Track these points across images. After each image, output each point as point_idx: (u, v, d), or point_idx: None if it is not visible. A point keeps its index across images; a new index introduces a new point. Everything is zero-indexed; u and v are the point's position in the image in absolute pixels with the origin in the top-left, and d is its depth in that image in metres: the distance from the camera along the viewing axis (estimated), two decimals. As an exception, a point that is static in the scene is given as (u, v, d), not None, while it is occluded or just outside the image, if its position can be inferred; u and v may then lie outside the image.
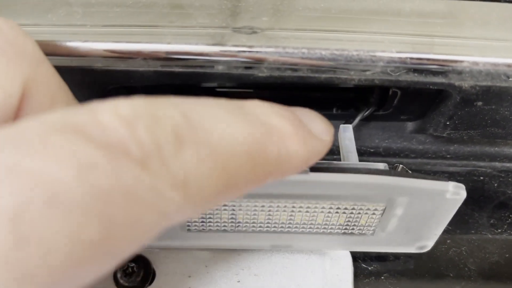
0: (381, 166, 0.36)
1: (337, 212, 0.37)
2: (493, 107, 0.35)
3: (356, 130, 0.44)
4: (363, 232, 0.39)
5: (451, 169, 0.46)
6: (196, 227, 0.40)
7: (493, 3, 0.34)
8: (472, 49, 0.31)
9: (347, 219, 0.38)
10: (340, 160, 0.40)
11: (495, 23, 0.33)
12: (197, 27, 0.33)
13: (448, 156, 0.46)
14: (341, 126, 0.41)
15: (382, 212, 0.37)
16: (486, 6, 0.34)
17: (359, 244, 0.42)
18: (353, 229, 0.39)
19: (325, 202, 0.36)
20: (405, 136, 0.46)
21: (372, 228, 0.39)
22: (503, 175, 0.46)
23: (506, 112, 0.36)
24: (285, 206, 0.37)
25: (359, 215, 0.37)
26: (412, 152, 0.46)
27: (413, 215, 0.37)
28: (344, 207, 0.37)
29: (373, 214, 0.37)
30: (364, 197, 0.36)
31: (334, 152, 0.47)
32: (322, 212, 0.37)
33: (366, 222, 0.38)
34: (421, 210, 0.36)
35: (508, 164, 0.46)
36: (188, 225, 0.39)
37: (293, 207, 0.37)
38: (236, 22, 0.32)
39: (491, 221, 0.43)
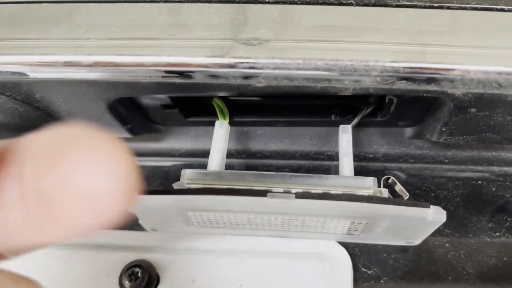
0: (370, 181, 0.37)
1: (325, 222, 0.39)
2: (487, 113, 0.36)
3: (355, 136, 0.45)
4: (351, 233, 0.40)
5: (449, 173, 0.47)
6: (199, 225, 0.41)
7: (485, 12, 0.35)
8: (464, 58, 0.32)
9: (335, 226, 0.39)
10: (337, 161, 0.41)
11: (488, 31, 0.34)
12: (197, 40, 0.34)
13: (446, 161, 0.46)
14: (341, 126, 0.42)
15: (366, 224, 0.38)
16: (478, 15, 0.35)
17: (350, 239, 0.43)
18: (342, 231, 0.40)
19: (311, 217, 0.38)
20: (403, 141, 0.46)
21: (359, 232, 0.40)
22: (501, 179, 0.46)
23: (499, 118, 0.36)
24: (276, 218, 0.39)
25: (346, 224, 0.38)
26: (410, 158, 0.47)
27: (397, 226, 0.38)
28: (330, 220, 0.38)
29: (359, 224, 0.38)
30: (348, 216, 0.37)
31: (333, 157, 0.48)
32: (311, 221, 0.39)
33: (353, 228, 0.39)
34: (405, 224, 0.37)
35: (506, 168, 0.46)
36: (192, 222, 0.40)
37: (283, 218, 0.39)
38: (234, 35, 0.34)
39: (489, 225, 0.44)
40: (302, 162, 0.48)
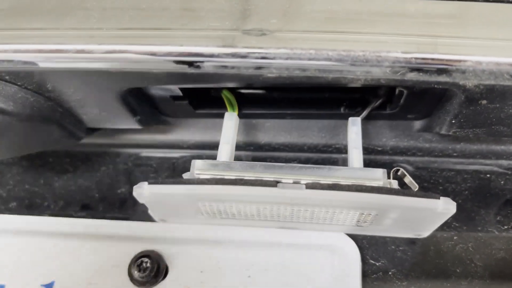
0: (380, 172, 0.37)
1: (334, 213, 0.39)
2: (498, 105, 0.36)
3: (363, 129, 0.45)
4: (360, 225, 0.41)
5: (458, 167, 0.47)
6: (209, 215, 0.41)
7: (497, 4, 0.35)
8: (476, 49, 0.32)
9: (344, 218, 0.39)
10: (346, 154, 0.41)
11: (499, 23, 0.34)
12: (208, 30, 0.34)
13: (454, 154, 0.46)
14: (350, 118, 0.42)
15: (375, 215, 0.38)
16: (490, 6, 0.35)
17: (358, 231, 0.43)
18: (351, 223, 0.40)
19: (321, 208, 0.38)
20: (412, 134, 0.46)
21: (368, 224, 0.40)
22: (509, 172, 0.46)
23: (511, 111, 0.36)
24: (285, 209, 0.39)
25: (355, 216, 0.39)
26: (419, 151, 0.47)
27: (407, 218, 0.38)
28: (339, 211, 0.38)
29: (368, 216, 0.38)
30: (357, 207, 0.37)
31: (341, 150, 0.48)
32: (320, 212, 0.39)
33: (362, 219, 0.39)
34: (414, 216, 0.37)
35: (514, 162, 0.46)
36: (201, 213, 0.41)
37: (293, 209, 0.39)
38: (246, 25, 0.34)
39: (498, 218, 0.44)
40: (310, 154, 0.49)
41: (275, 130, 0.48)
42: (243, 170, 0.38)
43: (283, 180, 0.37)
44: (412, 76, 0.33)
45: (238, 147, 0.49)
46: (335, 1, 0.35)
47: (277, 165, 0.38)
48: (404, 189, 0.35)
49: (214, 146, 0.49)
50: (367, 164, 0.47)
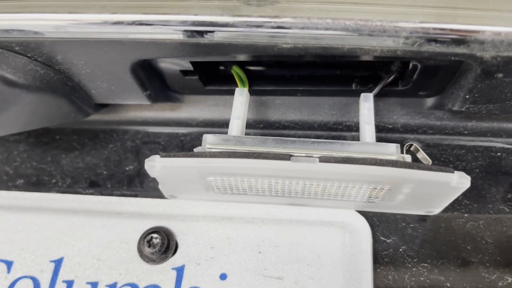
0: (393, 147, 0.36)
1: (346, 188, 0.38)
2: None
3: (375, 106, 0.45)
4: (372, 201, 0.40)
5: (469, 144, 0.47)
6: (219, 191, 0.41)
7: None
8: (495, 20, 0.32)
9: (355, 193, 0.39)
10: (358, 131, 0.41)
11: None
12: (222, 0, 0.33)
13: (465, 132, 0.46)
14: (362, 94, 0.42)
15: (389, 190, 0.38)
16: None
17: (369, 208, 0.43)
18: (362, 199, 0.40)
19: (333, 182, 0.38)
20: (423, 112, 0.46)
21: (380, 199, 0.40)
22: (520, 151, 0.46)
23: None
24: (297, 184, 0.39)
25: (367, 191, 0.38)
26: (430, 128, 0.46)
27: (419, 193, 0.38)
28: (352, 186, 0.38)
29: (381, 191, 0.38)
30: (371, 181, 0.37)
31: (352, 128, 0.47)
32: (332, 187, 0.38)
33: (374, 195, 0.39)
34: (427, 191, 0.37)
35: (526, 140, 0.46)
36: (212, 188, 0.40)
37: (305, 184, 0.39)
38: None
39: (509, 196, 0.44)
40: (320, 132, 0.48)
41: (285, 107, 0.48)
42: (255, 145, 0.38)
43: (296, 154, 0.37)
44: (429, 47, 0.32)
45: (248, 124, 0.48)
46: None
47: (290, 139, 0.38)
48: (418, 163, 0.35)
49: (224, 123, 0.49)
50: (378, 141, 0.47)
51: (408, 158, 0.37)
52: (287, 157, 0.36)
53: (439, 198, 0.38)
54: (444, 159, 0.46)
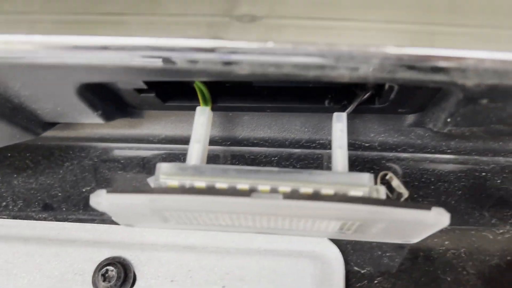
0: (366, 177, 0.33)
1: (314, 222, 0.35)
2: (500, 104, 0.32)
3: (350, 122, 0.41)
4: (344, 232, 0.37)
5: (451, 165, 0.43)
6: (178, 223, 0.37)
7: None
8: (479, 41, 0.28)
9: (325, 227, 0.36)
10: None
11: (504, 9, 0.30)
12: (170, 15, 0.29)
13: (448, 151, 0.43)
14: (335, 114, 0.38)
15: (360, 225, 0.34)
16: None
17: (342, 237, 0.39)
18: (333, 230, 0.37)
19: (300, 218, 0.34)
20: (402, 129, 0.43)
21: (351, 232, 0.37)
22: (506, 170, 0.43)
23: (512, 109, 0.32)
24: (261, 218, 0.35)
25: (337, 225, 0.35)
26: (410, 147, 0.43)
27: (395, 228, 0.34)
28: (320, 221, 0.34)
29: (352, 225, 0.35)
30: (340, 218, 0.33)
31: (326, 146, 0.44)
32: (299, 222, 0.35)
33: (346, 228, 0.36)
34: (402, 226, 0.34)
35: (512, 159, 0.43)
36: (170, 220, 0.37)
37: (269, 219, 0.35)
38: (213, 10, 0.29)
39: (493, 221, 0.41)
40: (292, 150, 0.45)
41: (254, 124, 0.44)
42: (215, 175, 0.34)
43: (259, 187, 0.33)
44: (404, 74, 0.28)
45: (214, 141, 0.45)
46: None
47: (253, 169, 0.34)
48: (391, 200, 0.32)
49: (187, 140, 0.45)
50: (353, 160, 0.44)
51: (382, 189, 0.33)
52: (247, 193, 0.32)
53: (417, 232, 0.35)
54: (425, 180, 0.43)
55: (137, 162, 0.46)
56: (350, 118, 0.40)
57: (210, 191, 0.32)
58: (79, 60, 0.30)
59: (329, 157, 0.44)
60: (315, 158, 0.44)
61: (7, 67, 0.31)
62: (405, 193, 0.35)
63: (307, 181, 0.34)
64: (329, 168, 0.43)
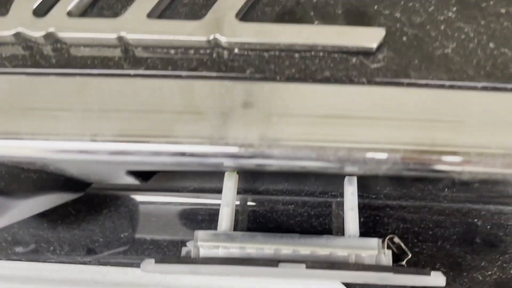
0: (375, 242, 0.39)
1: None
2: (489, 186, 0.37)
3: (359, 178, 0.47)
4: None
5: (447, 212, 0.49)
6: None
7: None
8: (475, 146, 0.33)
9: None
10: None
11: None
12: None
13: (445, 201, 0.49)
14: (347, 177, 0.44)
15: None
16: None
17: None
18: None
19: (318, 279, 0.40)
20: (405, 184, 0.48)
21: None
22: (495, 217, 0.49)
23: (501, 188, 0.38)
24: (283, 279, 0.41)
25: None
26: (411, 197, 0.49)
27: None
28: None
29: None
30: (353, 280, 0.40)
31: (337, 195, 0.49)
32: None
33: None
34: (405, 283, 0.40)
35: (501, 207, 0.48)
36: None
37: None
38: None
39: (482, 264, 0.47)
40: (307, 198, 0.50)
41: (272, 178, 0.49)
42: (245, 241, 0.40)
43: (283, 251, 0.39)
44: (408, 172, 0.34)
45: (239, 191, 0.50)
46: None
47: (277, 235, 0.40)
48: (396, 266, 0.38)
49: (213, 190, 0.51)
50: (361, 208, 0.49)
51: (388, 254, 0.39)
52: (275, 263, 0.38)
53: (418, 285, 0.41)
54: (424, 226, 0.49)
55: (169, 210, 0.51)
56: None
57: (243, 261, 0.38)
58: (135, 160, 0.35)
59: (339, 204, 0.50)
60: (327, 206, 0.50)
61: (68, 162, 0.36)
62: (408, 255, 0.41)
63: (324, 245, 0.40)
64: (340, 217, 0.49)
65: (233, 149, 0.33)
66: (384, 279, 0.38)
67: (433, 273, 0.38)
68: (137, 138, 0.34)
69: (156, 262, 0.39)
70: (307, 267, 0.38)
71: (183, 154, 0.33)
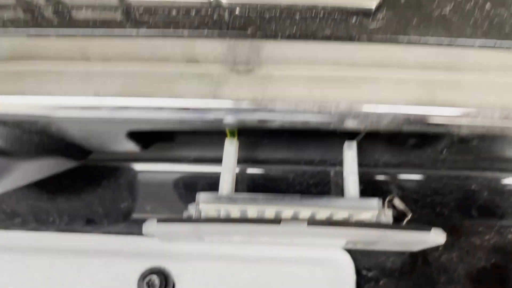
0: (375, 202, 0.39)
1: (331, 239, 0.42)
2: (488, 143, 0.38)
3: (358, 146, 0.47)
4: (354, 245, 0.44)
5: (445, 179, 0.49)
6: (211, 241, 0.44)
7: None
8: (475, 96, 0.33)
9: (340, 241, 0.43)
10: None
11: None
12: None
13: (443, 168, 0.49)
14: (346, 142, 0.44)
15: (371, 242, 0.41)
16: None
17: (351, 247, 0.47)
18: (347, 243, 0.44)
19: (319, 237, 0.41)
20: (404, 151, 0.49)
21: (361, 245, 0.43)
22: (492, 184, 0.49)
23: (499, 145, 0.39)
24: (286, 237, 0.42)
25: (351, 241, 0.42)
26: (410, 165, 0.49)
27: (398, 243, 0.41)
28: (336, 238, 0.41)
29: (363, 242, 0.41)
30: (354, 237, 0.40)
31: (335, 164, 0.50)
32: (318, 239, 0.42)
33: (357, 242, 0.42)
34: (405, 241, 0.41)
35: (498, 174, 0.49)
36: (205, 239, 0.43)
37: (292, 237, 0.42)
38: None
39: (480, 229, 0.48)
40: (306, 167, 0.51)
41: (272, 147, 0.50)
42: (246, 203, 0.40)
43: (284, 212, 0.40)
44: (408, 127, 0.34)
45: (239, 160, 0.50)
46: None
47: (278, 196, 0.40)
48: (396, 224, 0.38)
49: (215, 159, 0.51)
50: (360, 177, 0.50)
51: (388, 213, 0.40)
52: (277, 221, 0.38)
53: (418, 246, 0.42)
54: (423, 193, 0.49)
55: (168, 180, 0.51)
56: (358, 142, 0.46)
57: (245, 220, 0.38)
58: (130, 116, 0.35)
59: (337, 174, 0.50)
60: (326, 175, 0.50)
61: (69, 121, 0.36)
62: (409, 213, 0.41)
63: (325, 206, 0.40)
64: (339, 186, 0.50)
65: (236, 104, 0.33)
66: (384, 237, 0.38)
67: (433, 229, 0.38)
68: (140, 93, 0.34)
69: (159, 221, 0.39)
70: (309, 224, 0.38)
71: (186, 109, 0.34)
